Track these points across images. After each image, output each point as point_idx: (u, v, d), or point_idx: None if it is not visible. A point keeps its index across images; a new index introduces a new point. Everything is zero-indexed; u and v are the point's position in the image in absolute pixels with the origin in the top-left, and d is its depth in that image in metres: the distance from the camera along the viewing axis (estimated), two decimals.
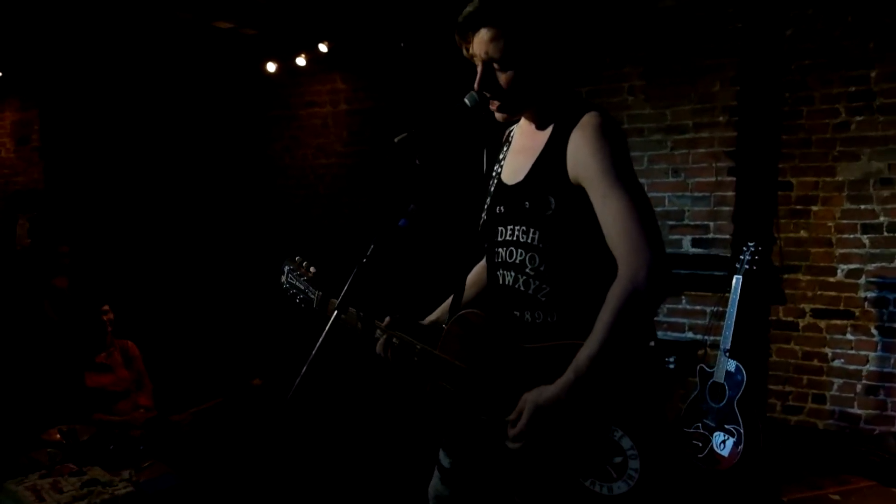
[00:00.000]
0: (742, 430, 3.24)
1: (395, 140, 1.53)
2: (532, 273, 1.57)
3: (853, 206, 3.88)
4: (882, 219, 3.83)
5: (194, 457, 3.56)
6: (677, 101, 3.97)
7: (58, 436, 3.16)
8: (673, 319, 4.12)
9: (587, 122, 1.47)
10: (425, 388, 1.72)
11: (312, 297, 1.88)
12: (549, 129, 1.56)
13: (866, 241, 3.87)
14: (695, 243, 4.01)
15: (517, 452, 1.46)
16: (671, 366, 4.02)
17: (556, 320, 1.56)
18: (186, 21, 4.52)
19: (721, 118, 3.88)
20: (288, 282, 1.95)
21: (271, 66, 5.05)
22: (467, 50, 1.57)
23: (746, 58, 3.82)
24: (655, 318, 4.16)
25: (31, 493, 2.60)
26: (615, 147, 1.44)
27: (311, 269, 1.91)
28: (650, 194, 4.05)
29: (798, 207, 4.02)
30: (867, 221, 3.86)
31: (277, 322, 5.31)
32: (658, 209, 4.08)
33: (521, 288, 1.59)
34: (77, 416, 3.64)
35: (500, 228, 1.64)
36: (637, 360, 1.41)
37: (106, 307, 3.93)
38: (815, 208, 3.97)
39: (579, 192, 1.47)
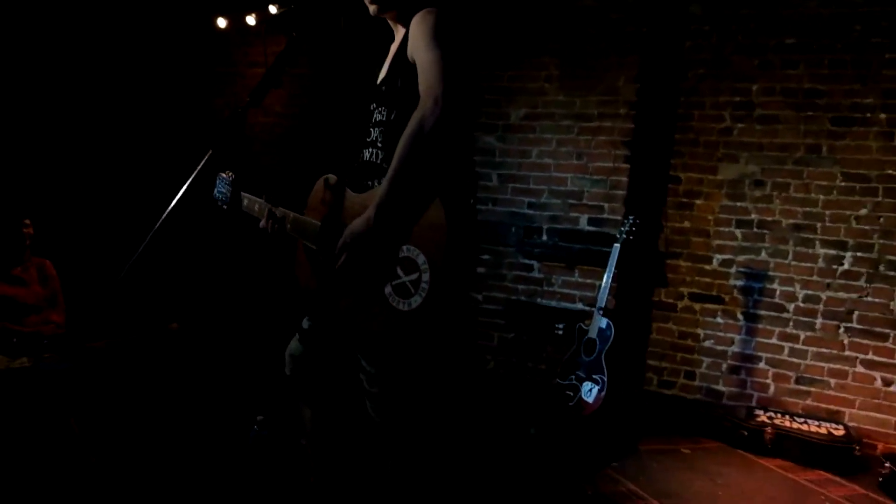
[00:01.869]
0: (606, 379, 3.60)
1: (275, 12, 1.82)
2: (380, 145, 1.85)
3: (730, 203, 4.35)
4: (753, 216, 4.30)
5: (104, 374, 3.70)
6: (586, 92, 4.39)
7: None
8: (566, 290, 4.49)
9: (424, 10, 1.76)
10: (297, 258, 1.99)
11: (227, 191, 2.19)
12: (405, 32, 1.85)
13: (739, 235, 4.33)
14: (590, 222, 4.41)
15: (341, 274, 1.70)
16: (560, 332, 4.38)
17: None
18: None
19: (622, 111, 4.31)
20: (218, 191, 2.26)
21: (222, 22, 5.28)
22: None
23: (648, 59, 4.27)
24: (550, 288, 4.53)
25: None
26: (438, 20, 1.72)
27: (231, 175, 2.26)
28: (556, 174, 4.47)
29: (684, 200, 4.46)
30: (741, 217, 4.33)
31: (201, 268, 5.47)
32: (561, 188, 4.48)
33: (372, 159, 1.87)
34: None
35: (372, 118, 1.93)
36: (435, 189, 1.61)
37: (27, 221, 4.04)
38: (698, 202, 4.43)
39: (415, 69, 1.73)
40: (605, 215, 4.37)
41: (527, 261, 4.60)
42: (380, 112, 1.86)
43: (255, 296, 5.18)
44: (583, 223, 4.43)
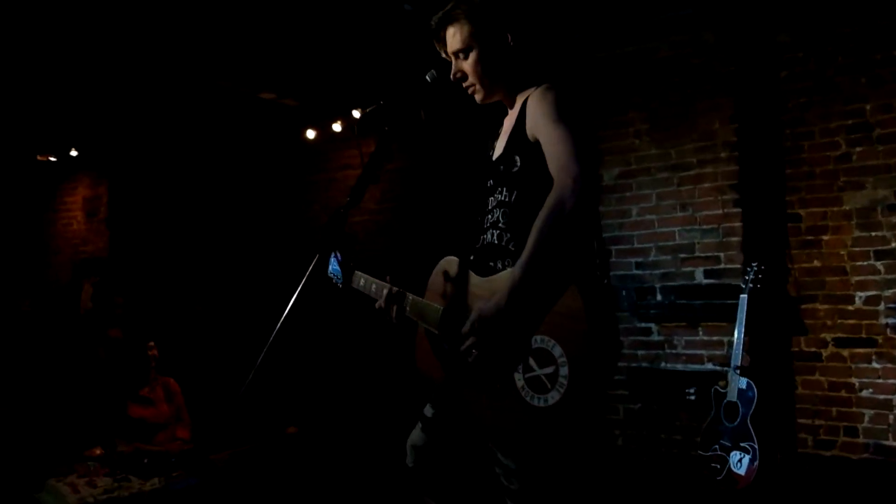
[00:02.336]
0: (756, 446, 3.22)
1: (366, 110, 1.82)
2: (504, 226, 1.77)
3: (864, 234, 3.94)
4: (894, 244, 3.87)
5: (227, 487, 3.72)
6: (680, 141, 4.20)
7: (98, 451, 3.40)
8: (691, 351, 4.15)
9: (541, 87, 1.74)
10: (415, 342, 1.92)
11: (339, 270, 2.20)
12: (518, 107, 1.83)
13: (881, 268, 3.89)
14: (707, 274, 4.11)
15: (468, 361, 1.59)
16: (692, 397, 4.02)
17: None
18: (236, 93, 5.10)
19: (723, 154, 4.07)
20: (332, 269, 2.27)
21: (311, 133, 5.55)
22: (445, 52, 1.89)
23: (742, 97, 4.06)
24: (673, 350, 4.21)
25: (68, 488, 2.82)
26: (557, 98, 1.68)
27: (340, 255, 2.22)
28: (662, 229, 4.24)
29: (809, 238, 4.09)
30: (879, 248, 3.90)
31: (314, 372, 5.52)
32: (669, 243, 4.23)
33: (496, 241, 1.79)
34: (121, 442, 3.88)
35: (489, 198, 1.87)
36: (570, 273, 1.52)
37: (151, 343, 4.24)
38: (825, 237, 4.05)
39: (537, 147, 1.69)
40: (722, 266, 4.06)
41: (643, 324, 4.32)
42: (500, 192, 1.80)
43: (371, 385, 5.15)
44: (699, 277, 4.14)
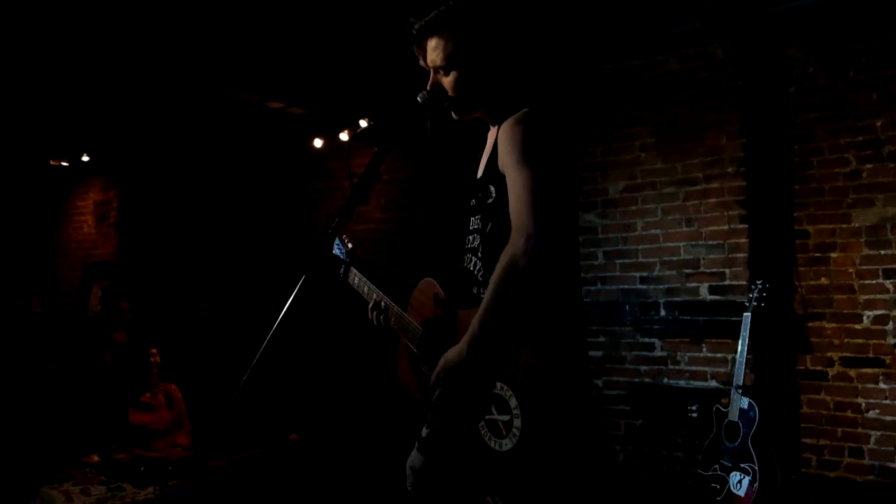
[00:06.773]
0: (757, 468, 3.17)
1: (357, 132, 1.81)
2: (480, 255, 1.75)
3: (873, 252, 3.88)
4: None
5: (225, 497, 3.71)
6: (687, 155, 4.16)
7: (96, 458, 3.41)
8: (694, 368, 4.10)
9: (514, 116, 1.64)
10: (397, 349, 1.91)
11: (343, 256, 2.15)
12: (497, 130, 1.77)
13: (889, 286, 3.83)
14: (712, 290, 4.06)
15: (438, 404, 1.61)
16: (694, 414, 3.97)
17: None
18: (245, 102, 5.12)
19: (730, 169, 4.03)
20: (337, 249, 2.21)
21: (318, 142, 5.57)
22: (424, 60, 1.84)
23: (750, 112, 4.01)
24: (676, 367, 4.16)
25: (62, 495, 2.83)
26: (527, 133, 1.59)
27: (349, 244, 2.18)
28: (667, 244, 4.20)
29: (816, 255, 4.03)
30: (888, 266, 3.83)
31: (317, 379, 5.52)
32: (673, 258, 4.19)
33: (472, 269, 1.77)
34: (119, 449, 3.89)
35: (471, 218, 1.84)
36: (532, 326, 1.51)
37: (153, 350, 4.26)
38: (834, 255, 3.99)
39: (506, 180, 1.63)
40: (727, 282, 4.01)
41: (646, 339, 4.27)
42: (477, 220, 1.78)
43: (375, 392, 5.13)
44: (703, 293, 4.09)
